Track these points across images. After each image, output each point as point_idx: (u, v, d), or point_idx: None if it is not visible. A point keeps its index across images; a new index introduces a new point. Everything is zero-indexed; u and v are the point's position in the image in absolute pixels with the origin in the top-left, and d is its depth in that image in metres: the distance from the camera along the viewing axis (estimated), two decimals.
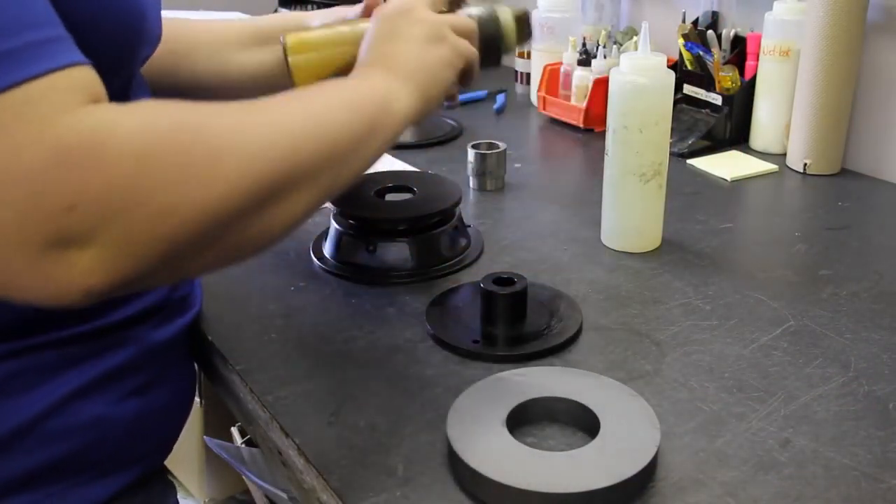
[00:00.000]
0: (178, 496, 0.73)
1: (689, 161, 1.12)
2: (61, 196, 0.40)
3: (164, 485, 0.70)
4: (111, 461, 0.62)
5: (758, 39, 1.14)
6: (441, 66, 0.65)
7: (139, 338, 0.63)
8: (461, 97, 1.34)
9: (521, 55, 1.45)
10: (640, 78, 0.81)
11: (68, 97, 0.43)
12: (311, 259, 0.85)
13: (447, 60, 0.65)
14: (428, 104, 0.63)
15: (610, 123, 0.83)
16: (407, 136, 1.22)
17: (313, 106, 0.55)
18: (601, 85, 1.20)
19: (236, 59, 0.84)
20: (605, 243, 0.87)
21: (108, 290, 0.44)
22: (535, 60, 1.36)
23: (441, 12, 0.69)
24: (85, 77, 0.46)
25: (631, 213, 0.85)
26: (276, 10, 1.82)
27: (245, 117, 0.50)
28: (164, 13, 0.71)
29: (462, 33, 0.68)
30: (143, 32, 0.61)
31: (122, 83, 0.63)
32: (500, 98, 1.40)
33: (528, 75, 1.43)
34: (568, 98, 1.28)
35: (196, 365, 0.75)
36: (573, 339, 0.70)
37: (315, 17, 0.82)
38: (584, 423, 0.58)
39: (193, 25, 0.85)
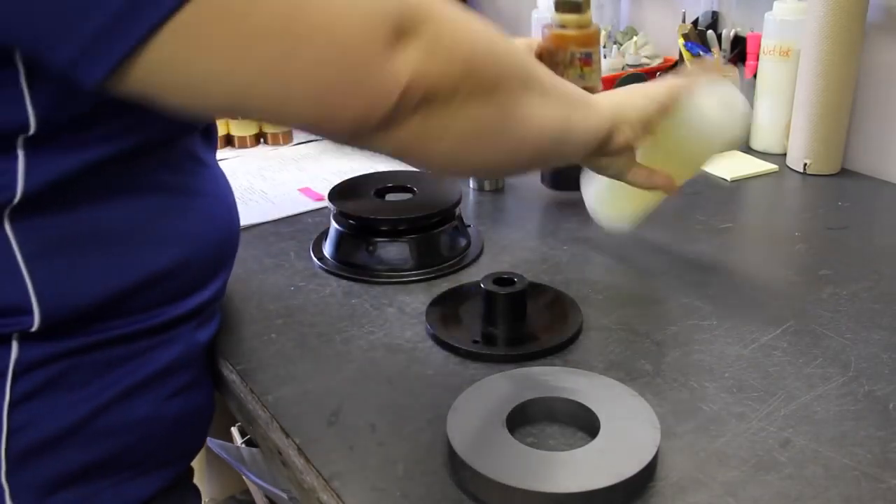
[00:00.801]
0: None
1: None
2: None
3: (193, 489, 0.71)
4: (153, 460, 0.63)
5: (758, 39, 1.14)
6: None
7: (184, 337, 0.63)
8: None
9: None
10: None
11: None
12: (311, 259, 0.85)
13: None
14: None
15: None
16: None
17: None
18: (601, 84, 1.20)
19: None
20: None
21: (420, 93, 0.47)
22: None
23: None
24: None
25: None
26: None
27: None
28: None
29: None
30: None
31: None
32: None
33: None
34: None
35: None
36: (573, 339, 0.70)
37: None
38: (584, 423, 0.58)
39: None
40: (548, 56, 0.91)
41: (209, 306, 0.67)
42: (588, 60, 0.90)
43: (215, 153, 0.70)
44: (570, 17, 0.90)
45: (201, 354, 0.67)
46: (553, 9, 0.91)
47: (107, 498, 0.60)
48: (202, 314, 0.66)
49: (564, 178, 0.98)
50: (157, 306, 0.61)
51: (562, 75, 0.90)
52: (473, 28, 0.50)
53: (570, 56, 0.89)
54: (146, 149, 0.57)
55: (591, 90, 0.92)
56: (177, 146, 0.61)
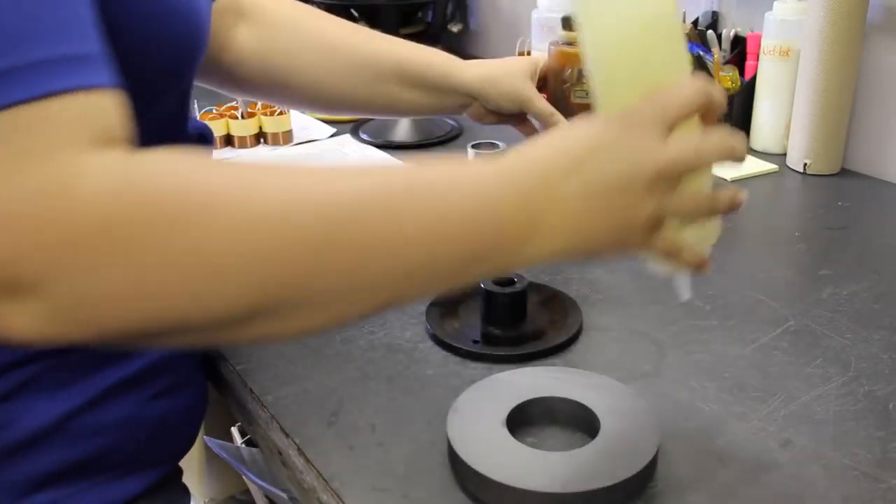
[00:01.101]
0: None
1: None
2: (13, 243, 0.36)
3: (182, 489, 0.71)
4: (135, 461, 0.62)
5: (758, 39, 1.14)
6: (628, 246, 0.49)
7: None
8: None
9: (520, 55, 1.45)
10: None
11: (60, 132, 0.38)
12: None
13: (640, 244, 0.48)
14: (577, 259, 0.51)
15: None
16: (407, 136, 1.22)
17: (396, 206, 0.42)
18: None
19: (395, 95, 0.86)
20: None
21: (52, 342, 0.39)
22: None
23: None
24: (96, 106, 0.40)
25: None
26: None
27: (284, 202, 0.39)
28: None
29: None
30: (201, 41, 0.60)
31: (181, 94, 0.62)
32: None
33: None
34: None
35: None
36: (573, 339, 0.70)
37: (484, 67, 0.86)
38: (584, 423, 0.58)
39: (319, 36, 0.85)
40: (554, 74, 0.91)
41: None
42: None
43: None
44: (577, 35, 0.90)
45: (189, 355, 0.67)
46: (560, 26, 0.91)
47: (87, 498, 0.60)
48: None
49: None
50: None
51: (569, 94, 0.90)
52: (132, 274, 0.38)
53: (577, 74, 0.89)
54: None
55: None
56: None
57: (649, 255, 0.52)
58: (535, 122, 0.91)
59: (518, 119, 0.91)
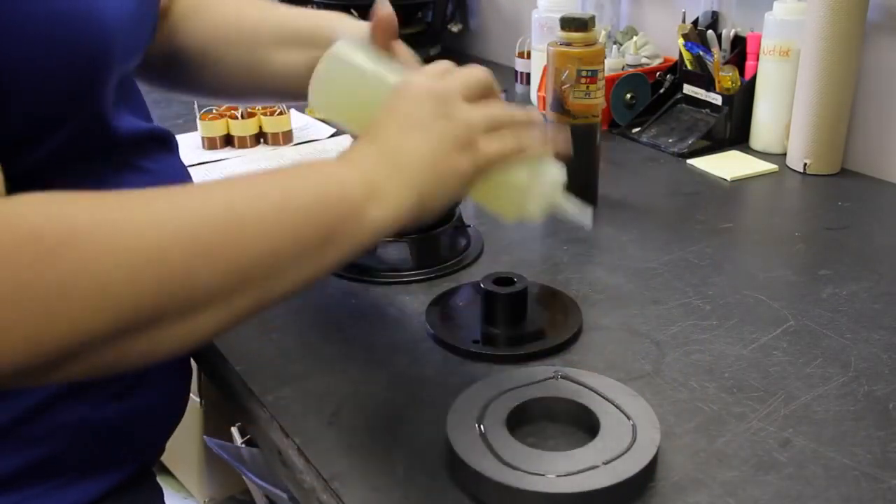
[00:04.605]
0: (179, 496, 0.73)
1: (689, 161, 1.12)
2: None
3: (152, 488, 0.69)
4: (94, 464, 0.61)
5: (758, 39, 1.14)
6: (456, 178, 0.52)
7: None
8: None
9: (520, 55, 1.45)
10: None
11: None
12: None
13: (465, 173, 0.53)
14: (419, 214, 0.52)
15: None
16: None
17: (246, 205, 0.46)
18: None
19: (271, 58, 0.76)
20: None
21: None
22: (535, 60, 1.36)
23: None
24: None
25: None
26: None
27: (143, 218, 0.42)
28: None
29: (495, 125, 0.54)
30: (109, 57, 0.54)
31: (94, 111, 0.57)
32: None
33: (528, 75, 1.42)
34: None
35: (195, 364, 0.75)
36: (573, 339, 0.70)
37: (359, 28, 0.72)
38: (584, 423, 0.58)
39: (225, 15, 0.77)
40: (552, 74, 0.91)
41: None
42: (594, 78, 0.90)
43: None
44: (576, 35, 0.90)
45: None
46: (560, 26, 0.91)
47: (43, 502, 0.58)
48: None
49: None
50: None
51: (567, 94, 0.90)
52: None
53: (575, 74, 0.89)
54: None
55: (596, 108, 0.93)
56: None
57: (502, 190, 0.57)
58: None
59: None
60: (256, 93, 0.82)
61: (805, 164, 1.07)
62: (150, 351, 0.43)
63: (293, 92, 0.74)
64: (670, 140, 1.18)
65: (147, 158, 0.65)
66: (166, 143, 0.69)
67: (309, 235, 0.47)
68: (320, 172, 0.50)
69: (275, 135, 1.22)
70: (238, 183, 0.48)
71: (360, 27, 0.71)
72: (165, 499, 0.72)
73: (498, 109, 0.55)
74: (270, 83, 0.77)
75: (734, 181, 1.06)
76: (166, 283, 0.42)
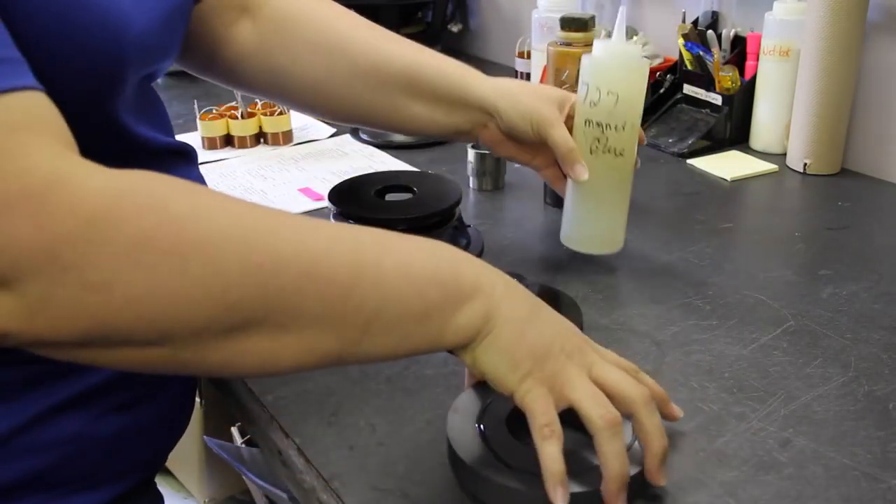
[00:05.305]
0: (179, 496, 0.73)
1: (689, 161, 1.12)
2: None
3: (153, 497, 0.68)
4: (90, 477, 0.60)
5: (758, 39, 1.14)
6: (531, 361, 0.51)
7: None
8: None
9: (520, 55, 1.45)
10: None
11: (18, 130, 0.39)
12: None
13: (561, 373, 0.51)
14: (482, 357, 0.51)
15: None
16: (407, 137, 1.22)
17: (372, 253, 0.47)
18: None
19: (409, 108, 0.79)
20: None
21: (23, 344, 0.40)
22: (535, 60, 1.36)
23: None
24: (43, 106, 0.41)
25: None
26: None
27: (260, 226, 0.44)
28: None
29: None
30: (122, 60, 0.54)
31: (109, 116, 0.57)
32: None
33: (528, 75, 1.42)
34: None
35: None
36: None
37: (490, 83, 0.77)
38: (583, 423, 0.58)
39: (326, 33, 0.78)
40: (552, 74, 0.91)
41: None
42: None
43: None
44: (576, 35, 0.90)
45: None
46: (560, 26, 0.91)
47: None
48: None
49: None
50: None
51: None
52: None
53: (575, 74, 0.89)
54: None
55: None
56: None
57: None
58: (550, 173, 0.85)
59: (539, 155, 0.81)
60: (385, 128, 0.85)
61: (805, 164, 1.07)
62: (226, 361, 0.44)
63: (429, 136, 0.77)
64: (670, 140, 1.18)
65: (165, 170, 0.64)
66: (186, 156, 0.69)
67: (414, 299, 0.48)
68: (442, 248, 0.51)
69: (275, 135, 1.22)
70: (366, 231, 0.49)
71: (490, 81, 0.78)
72: (165, 499, 0.72)
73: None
74: (392, 124, 0.82)
75: (734, 181, 1.06)
76: (273, 294, 0.43)
